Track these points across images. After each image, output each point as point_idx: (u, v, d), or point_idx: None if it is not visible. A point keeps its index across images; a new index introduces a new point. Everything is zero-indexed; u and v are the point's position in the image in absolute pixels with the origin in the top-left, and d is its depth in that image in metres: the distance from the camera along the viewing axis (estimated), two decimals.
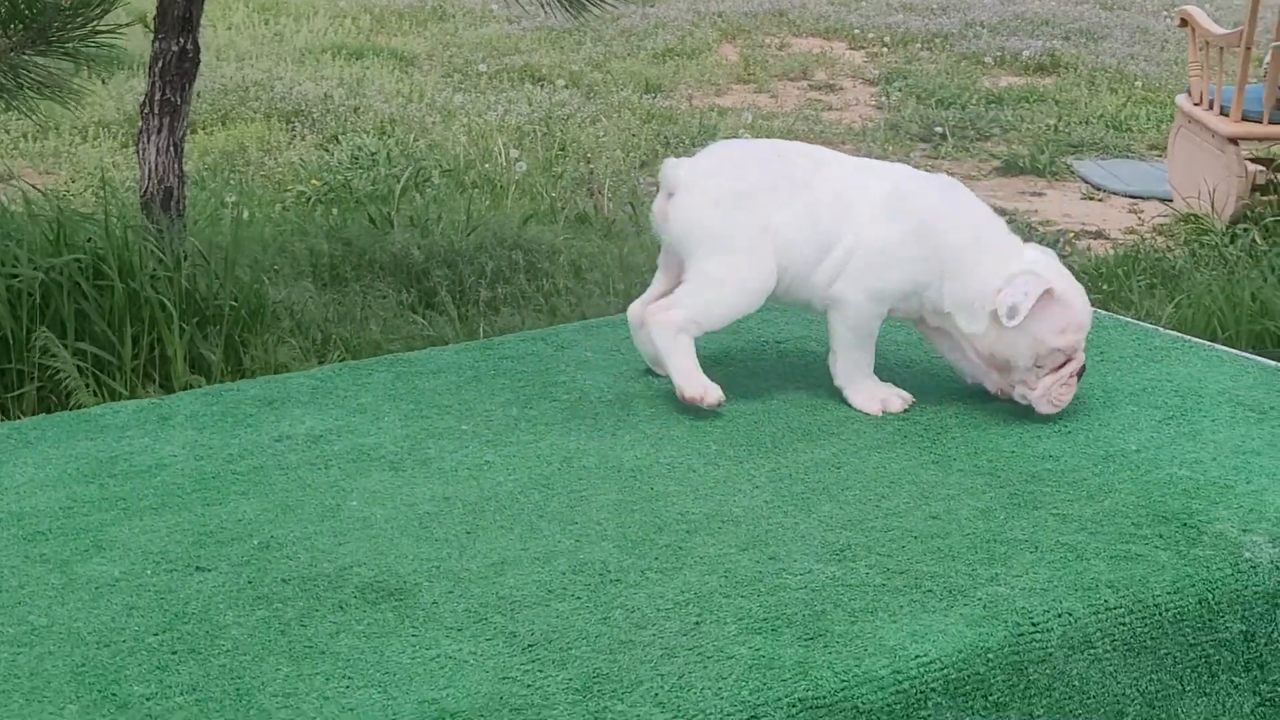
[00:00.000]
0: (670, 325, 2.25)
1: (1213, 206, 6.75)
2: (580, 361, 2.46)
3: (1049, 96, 9.92)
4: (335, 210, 6.80)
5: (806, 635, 1.64)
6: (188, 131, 8.64)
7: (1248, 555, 1.84)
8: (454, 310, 5.29)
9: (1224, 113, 6.80)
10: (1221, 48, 6.88)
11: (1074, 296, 2.19)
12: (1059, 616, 1.70)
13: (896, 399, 2.28)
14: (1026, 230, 6.85)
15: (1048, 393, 2.21)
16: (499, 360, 2.46)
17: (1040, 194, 7.80)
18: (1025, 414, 2.24)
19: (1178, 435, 2.17)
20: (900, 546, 1.85)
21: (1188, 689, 1.79)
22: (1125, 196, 7.66)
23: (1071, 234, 6.92)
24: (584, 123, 8.95)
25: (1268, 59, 6.70)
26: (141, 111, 5.17)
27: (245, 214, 6.70)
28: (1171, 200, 7.26)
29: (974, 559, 1.81)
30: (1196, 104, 7.07)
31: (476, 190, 7.38)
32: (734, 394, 2.29)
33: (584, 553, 1.83)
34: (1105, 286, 5.94)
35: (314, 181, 7.50)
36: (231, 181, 7.65)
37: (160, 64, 5.09)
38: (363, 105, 9.11)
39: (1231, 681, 1.82)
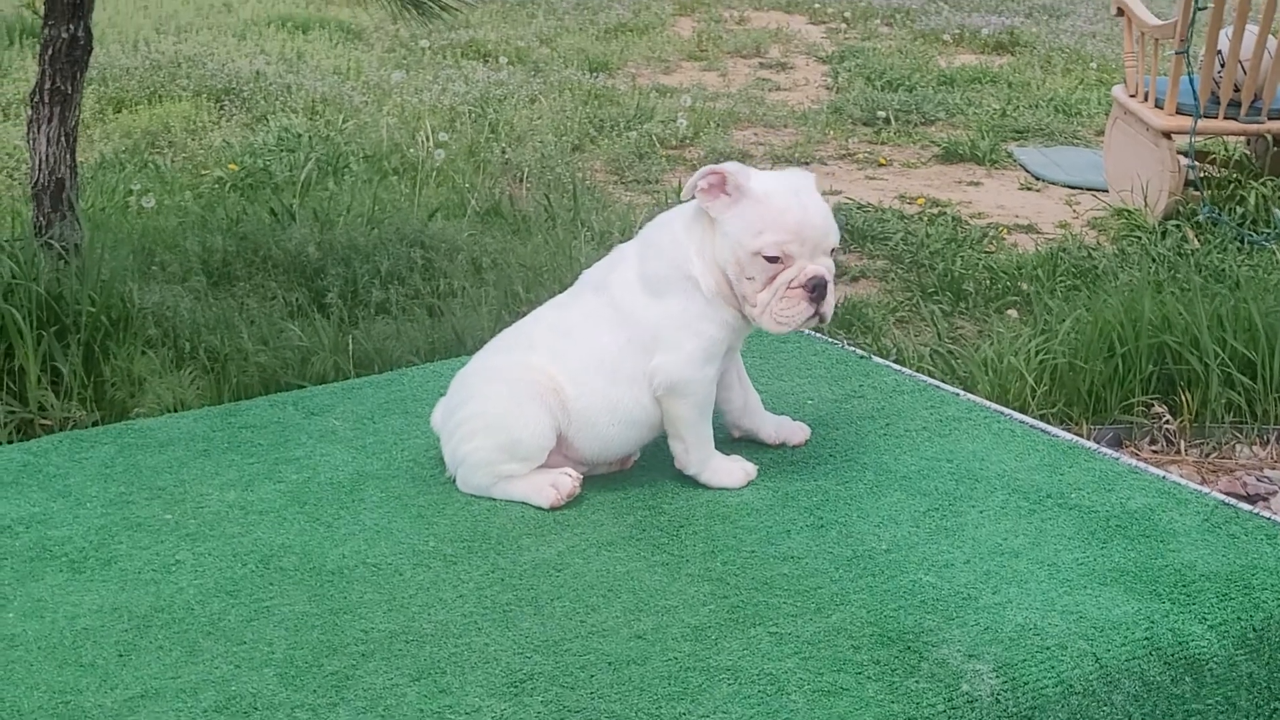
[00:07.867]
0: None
1: (1145, 201, 6.58)
2: (324, 433, 2.29)
3: (1001, 78, 9.70)
4: (245, 199, 6.60)
5: None
6: (80, 114, 8.47)
7: (965, 689, 1.68)
8: (337, 313, 5.10)
9: (1159, 105, 6.62)
10: (1157, 39, 6.69)
11: (775, 197, 2.08)
12: None
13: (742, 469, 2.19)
14: (954, 225, 6.67)
15: (768, 309, 2.09)
16: (238, 430, 2.29)
17: (978, 183, 7.60)
18: (785, 500, 2.09)
19: (936, 531, 2.00)
20: (589, 676, 1.69)
21: None
22: (1064, 187, 7.47)
23: (1003, 229, 6.73)
24: (521, 103, 8.75)
25: (1202, 54, 6.50)
26: (31, 100, 4.99)
27: (152, 203, 6.52)
28: (1108, 192, 7.08)
29: (664, 693, 1.65)
30: (1132, 95, 6.88)
31: (397, 177, 7.19)
32: None
33: (239, 683, 1.67)
34: (1025, 287, 5.76)
35: (231, 166, 7.30)
36: (149, 166, 7.45)
37: (50, 51, 4.91)
38: (296, 83, 8.89)
39: None
